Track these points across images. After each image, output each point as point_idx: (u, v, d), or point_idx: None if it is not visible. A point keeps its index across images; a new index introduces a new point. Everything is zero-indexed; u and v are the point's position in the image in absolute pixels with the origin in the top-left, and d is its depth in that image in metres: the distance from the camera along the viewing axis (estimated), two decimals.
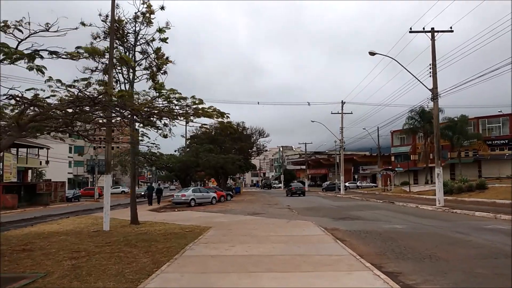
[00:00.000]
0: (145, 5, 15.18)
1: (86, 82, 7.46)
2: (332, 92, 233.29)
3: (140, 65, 16.63)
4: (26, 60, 6.40)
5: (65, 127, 9.26)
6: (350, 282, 6.39)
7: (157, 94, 9.71)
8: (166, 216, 20.92)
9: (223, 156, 43.74)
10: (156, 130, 11.11)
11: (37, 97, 7.51)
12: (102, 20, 15.65)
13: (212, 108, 9.50)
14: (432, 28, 23.75)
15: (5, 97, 7.25)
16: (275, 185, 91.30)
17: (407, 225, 14.70)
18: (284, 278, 6.68)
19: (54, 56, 6.63)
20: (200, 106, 9.40)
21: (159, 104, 9.84)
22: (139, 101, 9.56)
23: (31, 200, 35.79)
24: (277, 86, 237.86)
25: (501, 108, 52.87)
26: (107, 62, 15.15)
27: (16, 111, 8.51)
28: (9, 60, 6.43)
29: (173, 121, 10.39)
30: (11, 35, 6.51)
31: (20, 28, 6.44)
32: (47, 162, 49.14)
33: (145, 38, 16.25)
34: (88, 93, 7.60)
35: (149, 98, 9.84)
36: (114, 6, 14.93)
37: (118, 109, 8.30)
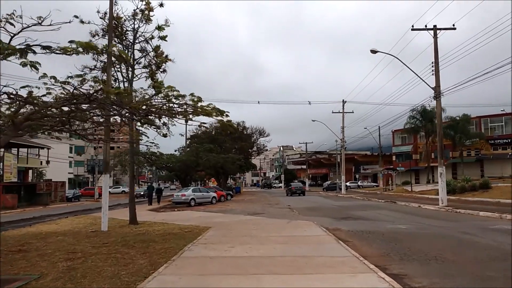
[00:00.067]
0: (144, 2, 14.97)
1: (81, 78, 7.24)
2: (333, 91, 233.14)
3: (139, 63, 16.50)
4: (18, 56, 6.19)
5: (62, 126, 9.06)
6: (355, 285, 6.17)
7: (155, 91, 9.48)
8: (165, 216, 20.74)
9: (223, 155, 43.58)
10: (155, 129, 10.91)
11: (32, 95, 7.29)
12: (101, 18, 15.50)
13: (211, 106, 9.29)
14: (435, 26, 23.50)
15: None
16: (275, 185, 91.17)
17: (411, 225, 14.47)
18: (285, 281, 6.46)
19: (47, 51, 6.41)
20: (199, 104, 9.19)
21: (157, 102, 9.63)
22: (137, 99, 9.34)
23: (31, 200, 35.64)
24: (278, 86, 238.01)
25: (503, 107, 52.70)
26: (105, 60, 14.99)
27: (13, 109, 8.32)
28: (1, 56, 6.22)
29: (172, 119, 10.19)
30: (3, 29, 6.31)
31: (12, 21, 6.22)
32: (47, 162, 48.99)
33: (144, 36, 16.11)
34: (84, 90, 7.39)
35: (147, 96, 9.61)
36: (112, 3, 14.75)
37: (115, 107, 8.08)
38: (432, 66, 23.71)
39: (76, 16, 6.99)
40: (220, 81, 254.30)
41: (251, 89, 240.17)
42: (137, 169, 46.70)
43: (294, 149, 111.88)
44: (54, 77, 7.03)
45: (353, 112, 50.73)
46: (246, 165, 56.90)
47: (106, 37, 15.26)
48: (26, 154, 45.46)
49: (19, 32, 6.39)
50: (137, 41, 16.22)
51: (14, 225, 17.61)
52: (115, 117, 10.78)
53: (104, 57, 14.71)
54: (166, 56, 15.87)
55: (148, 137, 15.16)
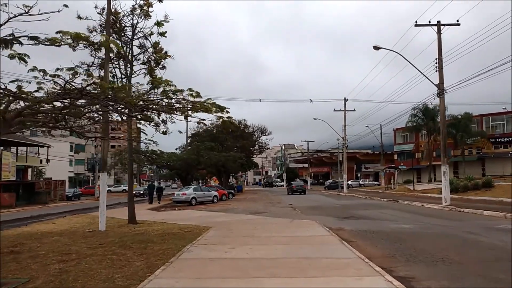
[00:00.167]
0: None
1: (72, 71, 6.90)
2: (334, 90, 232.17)
3: (138, 59, 16.20)
4: (3, 46, 5.86)
5: (55, 122, 8.74)
6: None
7: (152, 85, 9.14)
8: (165, 215, 20.45)
9: (225, 154, 43.29)
10: (154, 126, 10.56)
11: (22, 90, 6.97)
12: (98, 13, 15.19)
13: (210, 101, 8.96)
14: (438, 21, 23.13)
15: None
16: (277, 184, 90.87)
17: (415, 225, 14.15)
18: (288, 284, 6.14)
19: (35, 42, 6.09)
20: (197, 99, 8.87)
21: (155, 97, 9.30)
22: (133, 94, 9.00)
23: (29, 199, 35.33)
24: (279, 84, 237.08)
25: (505, 105, 52.36)
26: (104, 56, 14.68)
27: (3, 106, 7.99)
28: None
29: (171, 116, 9.87)
30: None
31: None
32: (47, 160, 48.70)
33: (143, 32, 15.83)
34: (77, 84, 7.07)
35: (144, 91, 9.27)
36: None
37: (109, 102, 7.75)
38: (436, 63, 23.36)
39: (66, 5, 6.62)
40: (221, 80, 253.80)
41: (252, 88, 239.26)
42: (138, 167, 46.50)
43: (296, 147, 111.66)
44: (43, 70, 6.69)
45: (354, 111, 50.40)
46: (248, 164, 56.56)
47: (105, 33, 14.93)
48: (25, 152, 45.22)
49: (5, 22, 6.07)
50: (135, 37, 15.94)
51: (9, 224, 17.26)
52: (112, 113, 10.43)
53: (102, 53, 14.40)
54: (166, 52, 15.54)
55: (146, 135, 14.81)
